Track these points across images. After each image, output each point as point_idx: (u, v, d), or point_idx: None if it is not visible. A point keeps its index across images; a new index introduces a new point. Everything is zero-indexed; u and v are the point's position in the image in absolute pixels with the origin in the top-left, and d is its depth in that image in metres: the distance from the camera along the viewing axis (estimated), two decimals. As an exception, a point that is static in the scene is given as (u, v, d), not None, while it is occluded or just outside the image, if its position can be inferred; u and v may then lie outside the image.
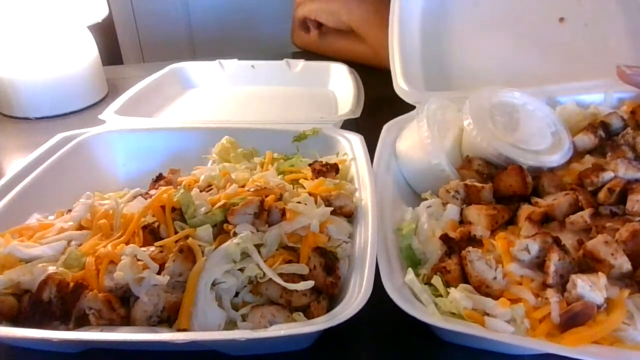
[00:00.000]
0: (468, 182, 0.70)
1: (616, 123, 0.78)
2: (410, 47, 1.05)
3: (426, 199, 0.71)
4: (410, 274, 0.58)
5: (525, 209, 0.65)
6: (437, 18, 1.07)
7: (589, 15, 0.98)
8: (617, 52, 0.84)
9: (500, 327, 0.52)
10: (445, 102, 0.82)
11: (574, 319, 0.51)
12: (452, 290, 0.56)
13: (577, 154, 0.75)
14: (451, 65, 1.05)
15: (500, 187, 0.69)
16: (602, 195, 0.65)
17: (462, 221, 0.67)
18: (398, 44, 1.03)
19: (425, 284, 0.58)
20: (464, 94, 0.79)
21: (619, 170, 0.66)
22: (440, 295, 0.57)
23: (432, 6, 1.08)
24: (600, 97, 0.86)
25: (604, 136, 0.76)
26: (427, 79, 1.03)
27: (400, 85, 0.97)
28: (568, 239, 0.60)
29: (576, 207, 0.64)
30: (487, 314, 0.54)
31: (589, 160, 0.73)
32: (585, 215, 0.62)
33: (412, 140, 0.78)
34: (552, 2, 1.01)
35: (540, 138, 0.75)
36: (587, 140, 0.75)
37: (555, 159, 0.73)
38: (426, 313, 0.54)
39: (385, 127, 0.84)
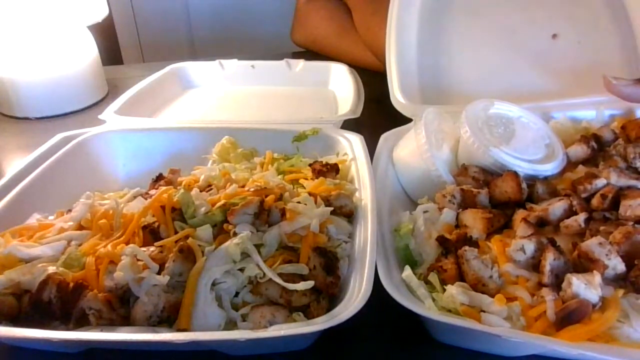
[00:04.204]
0: (464, 186, 0.70)
1: (608, 136, 0.80)
2: (407, 60, 1.06)
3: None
4: (408, 270, 0.58)
5: (520, 213, 0.66)
6: (433, 32, 1.09)
7: (582, 33, 1.00)
8: (610, 69, 0.85)
9: (496, 323, 0.53)
10: (441, 114, 0.83)
11: (570, 316, 0.52)
12: (448, 286, 0.56)
13: (571, 164, 0.77)
14: (447, 79, 1.06)
15: (495, 193, 0.70)
16: (595, 201, 0.66)
17: (458, 225, 0.68)
18: (395, 57, 1.05)
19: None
20: (460, 107, 0.80)
21: (612, 177, 0.67)
22: (437, 292, 0.57)
23: (429, 19, 1.09)
24: (592, 113, 0.88)
25: (596, 147, 0.77)
26: (424, 93, 1.05)
27: (397, 98, 0.98)
28: (562, 243, 0.61)
29: (570, 212, 0.65)
30: (484, 311, 0.54)
31: (582, 170, 0.74)
32: (579, 219, 0.63)
33: (410, 148, 0.79)
34: (546, 18, 1.02)
35: (535, 148, 0.76)
36: (580, 151, 0.77)
37: (549, 168, 0.74)
38: (423, 307, 0.54)
39: (382, 137, 0.85)
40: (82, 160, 0.86)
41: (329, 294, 0.57)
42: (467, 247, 0.59)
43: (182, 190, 0.66)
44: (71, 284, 0.56)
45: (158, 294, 0.54)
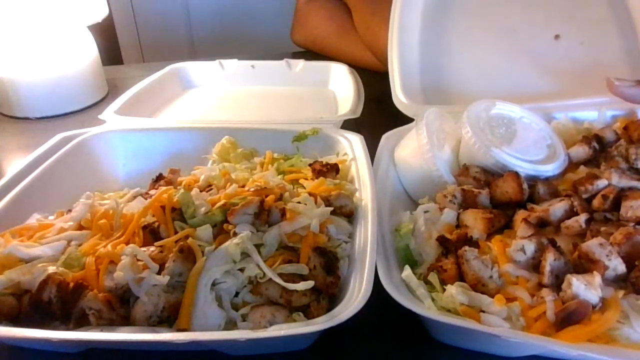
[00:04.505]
0: (465, 187, 0.70)
1: (610, 136, 0.79)
2: (409, 60, 1.06)
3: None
4: (407, 270, 0.59)
5: (521, 214, 0.66)
6: (436, 32, 1.09)
7: (584, 33, 1.00)
8: (612, 70, 0.85)
9: (496, 323, 0.53)
10: (443, 114, 0.83)
11: (570, 317, 0.52)
12: (448, 286, 0.56)
13: (572, 165, 0.77)
14: (449, 79, 1.06)
15: (496, 193, 0.70)
16: (596, 202, 0.66)
17: (459, 225, 0.68)
18: (397, 57, 1.05)
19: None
20: (462, 108, 0.80)
21: (613, 178, 0.67)
22: (437, 292, 0.57)
23: (431, 20, 1.09)
24: (595, 114, 0.88)
25: (598, 148, 0.77)
26: (426, 93, 1.05)
27: (399, 98, 0.99)
28: (563, 243, 0.61)
29: (571, 213, 0.65)
30: (483, 312, 0.54)
31: (583, 171, 0.74)
32: (580, 220, 0.62)
33: (411, 149, 0.79)
34: (548, 19, 1.02)
35: (536, 149, 0.76)
36: (581, 151, 0.77)
37: (550, 169, 0.74)
38: (422, 307, 0.54)
39: (384, 136, 0.85)
40: (82, 160, 0.86)
41: (329, 294, 0.57)
42: (467, 247, 0.59)
43: (182, 190, 0.66)
44: (71, 284, 0.56)
45: (158, 294, 0.54)
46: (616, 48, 0.98)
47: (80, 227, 0.67)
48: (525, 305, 0.54)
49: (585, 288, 0.53)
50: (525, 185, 0.69)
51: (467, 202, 0.69)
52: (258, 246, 0.59)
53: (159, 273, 0.56)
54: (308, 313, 0.56)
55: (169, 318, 0.55)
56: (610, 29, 0.99)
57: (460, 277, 0.59)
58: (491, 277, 0.57)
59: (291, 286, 0.55)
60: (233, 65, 1.32)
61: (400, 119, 0.92)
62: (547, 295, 0.54)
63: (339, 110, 1.14)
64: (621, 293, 0.54)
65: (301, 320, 0.54)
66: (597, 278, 0.54)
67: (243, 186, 0.69)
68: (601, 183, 0.67)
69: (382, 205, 0.69)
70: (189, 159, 0.85)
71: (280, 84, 1.29)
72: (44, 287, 0.55)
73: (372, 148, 0.81)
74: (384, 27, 1.09)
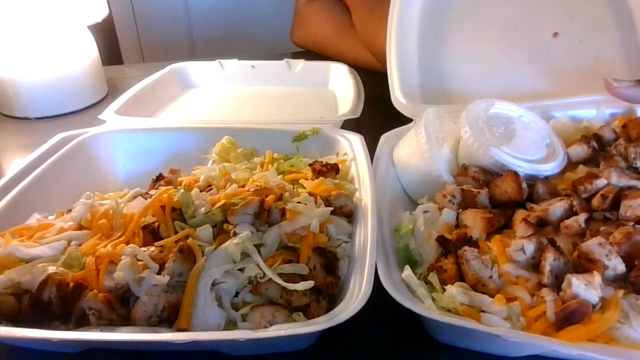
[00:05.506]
0: (464, 186, 0.70)
1: (609, 135, 0.79)
2: (408, 60, 1.06)
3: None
4: (408, 270, 0.59)
5: (520, 213, 0.66)
6: (434, 31, 1.09)
7: (583, 31, 0.99)
8: (611, 68, 0.84)
9: (496, 323, 0.53)
10: (442, 114, 0.83)
11: (570, 317, 0.52)
12: (448, 286, 0.56)
13: (571, 164, 0.77)
14: (448, 79, 1.06)
15: (495, 193, 0.70)
16: (595, 201, 0.66)
17: (458, 225, 0.68)
18: (396, 57, 1.04)
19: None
20: (461, 107, 0.80)
21: (612, 177, 0.67)
22: (437, 292, 0.57)
23: (430, 19, 1.09)
24: (593, 112, 0.88)
25: (597, 147, 0.77)
26: (424, 93, 1.05)
27: (398, 98, 0.99)
28: (563, 243, 0.61)
29: (571, 213, 0.65)
30: (483, 312, 0.54)
31: (582, 170, 0.74)
32: (579, 219, 0.62)
33: (411, 149, 0.79)
34: (547, 17, 1.02)
35: (535, 149, 0.76)
36: (580, 151, 0.77)
37: (549, 168, 0.74)
38: (422, 307, 0.54)
39: (383, 137, 0.85)
40: (82, 160, 0.86)
41: (329, 294, 0.57)
42: (467, 247, 0.59)
43: (182, 190, 0.66)
44: (71, 284, 0.56)
45: (158, 294, 0.54)
46: (615, 46, 0.97)
47: (80, 227, 0.67)
48: (525, 305, 0.55)
49: (585, 288, 0.53)
50: (524, 185, 0.69)
51: (467, 202, 0.69)
52: (258, 246, 0.59)
53: (159, 273, 0.56)
54: (308, 313, 0.56)
55: (169, 318, 0.55)
56: (609, 26, 0.98)
57: (460, 277, 0.59)
58: (491, 277, 0.57)
59: (291, 286, 0.55)
60: (233, 65, 1.32)
61: (400, 119, 0.92)
62: (547, 295, 0.54)
63: (339, 110, 1.14)
64: (621, 293, 0.54)
65: (301, 320, 0.54)
66: (597, 278, 0.54)
67: (243, 186, 0.69)
68: (600, 182, 0.67)
69: (382, 205, 0.69)
70: (189, 159, 0.85)
71: (280, 84, 1.29)
72: (44, 287, 0.55)
73: (372, 148, 0.81)
74: (382, 25, 1.09)
